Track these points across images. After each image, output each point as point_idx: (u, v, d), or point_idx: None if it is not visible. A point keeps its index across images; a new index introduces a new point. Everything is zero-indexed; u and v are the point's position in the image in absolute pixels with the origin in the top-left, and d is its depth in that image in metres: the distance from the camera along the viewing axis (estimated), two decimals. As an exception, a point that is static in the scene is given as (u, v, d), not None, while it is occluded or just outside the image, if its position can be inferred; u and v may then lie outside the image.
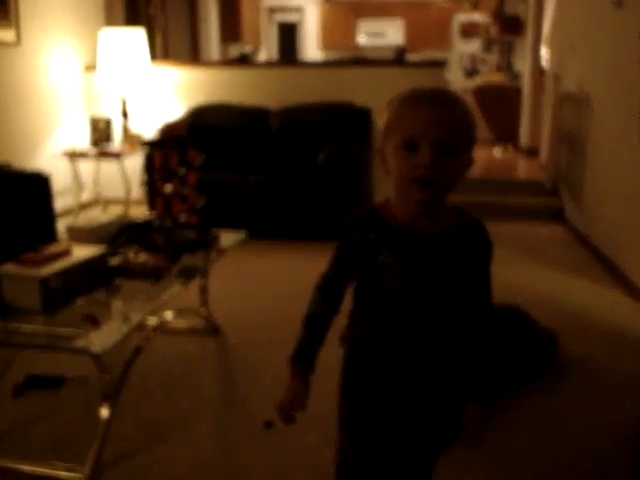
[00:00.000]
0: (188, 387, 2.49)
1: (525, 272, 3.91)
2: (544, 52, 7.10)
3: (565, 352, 2.70)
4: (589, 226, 4.45)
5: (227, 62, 8.26)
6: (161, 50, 8.67)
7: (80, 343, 1.85)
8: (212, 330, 2.95)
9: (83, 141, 5.30)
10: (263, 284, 3.68)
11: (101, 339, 1.86)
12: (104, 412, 2.06)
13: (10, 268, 2.04)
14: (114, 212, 4.56)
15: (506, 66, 8.99)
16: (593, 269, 3.98)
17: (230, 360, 2.75)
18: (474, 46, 8.94)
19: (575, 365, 2.66)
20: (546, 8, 7.12)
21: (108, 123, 5.16)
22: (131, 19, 7.96)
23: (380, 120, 1.20)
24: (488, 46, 8.97)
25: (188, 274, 2.41)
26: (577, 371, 2.62)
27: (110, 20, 6.23)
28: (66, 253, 2.19)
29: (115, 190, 5.08)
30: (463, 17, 9.07)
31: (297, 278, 3.76)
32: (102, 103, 5.54)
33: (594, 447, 2.14)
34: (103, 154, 4.87)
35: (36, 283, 1.98)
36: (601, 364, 2.69)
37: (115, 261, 2.34)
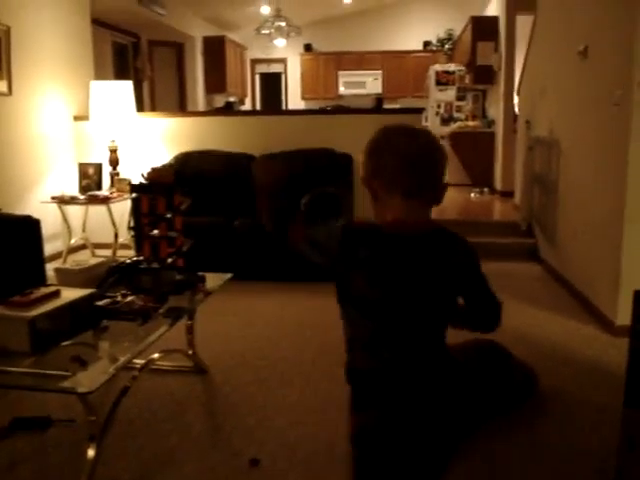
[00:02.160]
0: (174, 427, 2.50)
1: (502, 308, 3.98)
2: (516, 100, 7.37)
3: (542, 386, 2.76)
4: (563, 264, 4.58)
5: (212, 111, 8.47)
6: (149, 100, 8.88)
7: (67, 383, 1.87)
8: (198, 370, 2.98)
9: (72, 187, 5.38)
10: (248, 325, 3.72)
11: (88, 379, 1.89)
12: (90, 453, 2.06)
13: (-1, 310, 2.08)
14: (102, 255, 4.62)
15: (481, 113, 9.28)
16: (568, 305, 4.07)
17: (215, 399, 2.78)
18: (450, 94, 9.23)
19: (552, 399, 2.72)
20: (517, 58, 7.44)
21: (97, 169, 5.27)
22: (120, 71, 8.18)
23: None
24: (463, 94, 9.27)
25: (175, 315, 2.44)
26: (554, 405, 2.67)
27: (99, 71, 6.42)
28: (55, 295, 2.23)
29: (103, 234, 5.14)
30: (439, 67, 9.39)
31: (281, 319, 3.81)
32: (91, 151, 5.65)
33: (573, 479, 2.18)
34: (92, 199, 4.95)
35: (24, 324, 2.01)
36: (578, 397, 2.74)
37: (103, 303, 2.39)
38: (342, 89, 11.43)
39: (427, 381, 1.25)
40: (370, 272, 1.21)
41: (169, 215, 2.65)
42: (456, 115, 9.18)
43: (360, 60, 11.34)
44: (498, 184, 7.91)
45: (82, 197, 5.00)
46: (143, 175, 2.72)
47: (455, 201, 7.56)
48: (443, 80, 9.22)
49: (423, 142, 1.28)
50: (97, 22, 6.90)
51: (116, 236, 4.90)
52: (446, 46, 11.01)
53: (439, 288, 1.24)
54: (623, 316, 3.36)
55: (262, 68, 12.21)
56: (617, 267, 3.45)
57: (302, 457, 2.27)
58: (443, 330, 1.30)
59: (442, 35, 11.10)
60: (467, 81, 9.04)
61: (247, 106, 11.69)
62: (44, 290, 2.24)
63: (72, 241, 5.16)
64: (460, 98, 9.23)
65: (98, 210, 5.07)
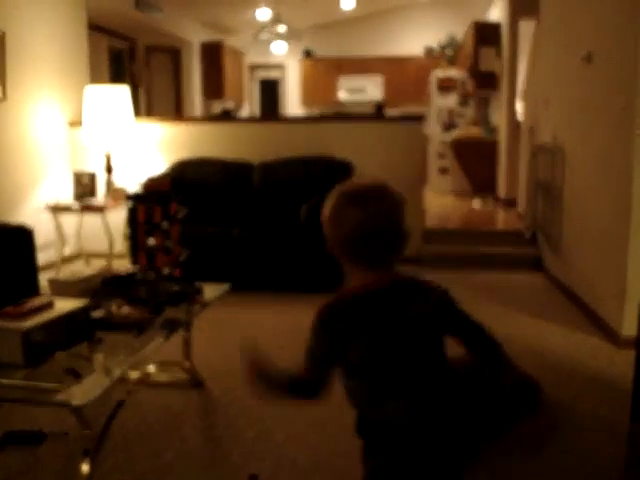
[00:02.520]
0: (170, 441, 2.45)
1: (506, 319, 3.95)
2: (519, 106, 7.34)
3: (547, 399, 2.71)
4: (567, 274, 4.53)
5: (210, 118, 8.44)
6: (145, 106, 8.85)
7: (61, 397, 1.84)
8: (195, 383, 2.92)
9: (67, 195, 5.33)
10: (246, 336, 3.67)
11: (83, 392, 1.86)
12: (84, 468, 2.04)
13: (-9, 321, 2.04)
14: (97, 265, 4.57)
15: (483, 120, 9.25)
16: (573, 316, 4.03)
17: (212, 413, 2.73)
18: (451, 100, 9.21)
19: (558, 411, 2.67)
20: (520, 64, 7.41)
21: (92, 177, 5.21)
22: (116, 76, 8.15)
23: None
24: (465, 100, 9.25)
25: (171, 327, 2.40)
26: (559, 417, 2.63)
27: (95, 77, 6.37)
28: (48, 306, 2.19)
29: (98, 244, 5.09)
30: (440, 73, 9.38)
31: (279, 330, 3.76)
32: (86, 158, 5.60)
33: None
34: (86, 208, 4.90)
35: (18, 336, 1.97)
36: (583, 410, 2.70)
37: (98, 314, 2.34)
38: (342, 95, 11.41)
39: (441, 414, 1.32)
40: (354, 333, 1.26)
41: (165, 224, 2.61)
42: (458, 121, 9.16)
43: (361, 65, 11.32)
44: (501, 192, 7.86)
45: (77, 205, 4.94)
46: (141, 185, 2.68)
47: (457, 210, 7.52)
48: (445, 86, 9.20)
49: (378, 209, 1.28)
50: (93, 27, 6.85)
51: (111, 245, 4.84)
52: (448, 52, 10.99)
53: (423, 327, 1.28)
54: (629, 327, 3.32)
55: (261, 74, 12.20)
56: (623, 277, 3.40)
57: (302, 471, 2.22)
58: (442, 365, 1.34)
59: (444, 41, 11.08)
60: (469, 87, 9.02)
61: (246, 112, 11.66)
62: (38, 301, 2.20)
63: (66, 250, 5.11)
64: (462, 104, 9.21)
65: (93, 219, 5.01)
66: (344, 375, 1.31)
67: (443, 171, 9.06)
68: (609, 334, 3.56)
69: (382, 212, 1.27)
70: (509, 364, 1.37)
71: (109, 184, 5.19)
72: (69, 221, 5.21)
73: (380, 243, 1.26)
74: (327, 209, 1.32)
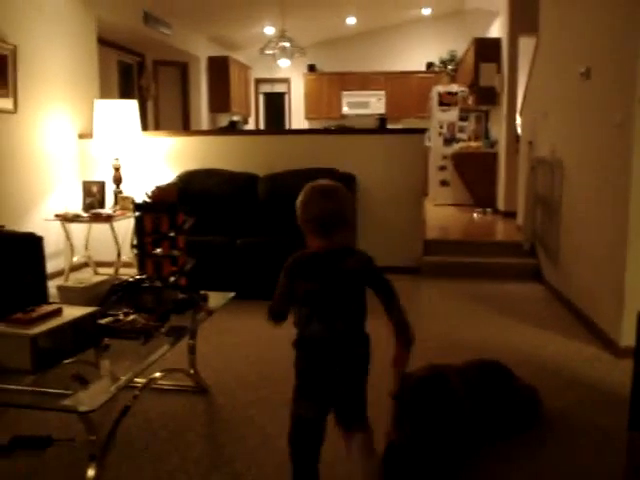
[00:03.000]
0: (175, 447, 2.48)
1: (505, 329, 3.98)
2: (519, 120, 7.41)
3: (546, 407, 2.74)
4: (566, 285, 4.56)
5: (216, 131, 8.52)
6: (153, 119, 8.94)
7: (68, 402, 1.88)
8: (200, 390, 2.96)
9: (76, 205, 5.40)
10: (250, 344, 3.70)
11: (89, 398, 1.90)
12: (90, 473, 2.06)
13: (0, 327, 2.09)
14: (104, 274, 4.62)
15: (483, 134, 9.32)
16: (571, 325, 4.06)
17: (217, 420, 2.76)
18: (452, 115, 9.30)
19: (556, 420, 2.70)
20: (520, 80, 7.48)
21: (101, 187, 5.29)
22: (125, 90, 8.26)
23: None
24: (466, 115, 9.33)
25: (177, 334, 2.45)
26: (559, 426, 2.65)
27: (105, 90, 6.47)
28: (57, 313, 2.23)
29: (106, 252, 5.15)
30: (441, 88, 9.47)
31: (283, 339, 3.78)
32: (95, 169, 5.68)
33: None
34: (95, 217, 4.96)
35: (26, 342, 2.02)
36: (582, 419, 2.72)
37: (105, 321, 2.39)
38: (345, 109, 11.50)
39: (349, 345, 1.87)
40: (304, 275, 1.87)
41: (172, 234, 2.66)
42: (459, 135, 9.24)
43: (363, 80, 11.42)
44: (501, 204, 7.92)
45: (85, 215, 5.01)
46: (147, 194, 2.73)
47: (458, 221, 7.57)
48: (446, 101, 9.28)
49: (335, 202, 1.87)
50: (103, 41, 6.98)
51: (119, 254, 4.90)
52: (449, 67, 11.09)
53: (348, 279, 1.86)
54: (627, 337, 3.35)
55: (266, 88, 12.30)
56: (621, 287, 3.44)
57: None
58: (361, 310, 1.91)
59: (445, 56, 11.18)
60: (470, 102, 9.11)
61: (251, 125, 11.76)
62: (46, 308, 2.25)
63: (74, 259, 5.17)
64: (463, 119, 9.30)
65: (101, 228, 5.08)
66: (296, 303, 1.91)
67: (444, 183, 9.13)
68: (608, 344, 3.59)
69: (337, 204, 1.87)
70: (398, 310, 1.85)
71: (117, 194, 5.26)
72: (78, 230, 5.28)
73: (332, 222, 1.84)
74: (300, 199, 1.91)
